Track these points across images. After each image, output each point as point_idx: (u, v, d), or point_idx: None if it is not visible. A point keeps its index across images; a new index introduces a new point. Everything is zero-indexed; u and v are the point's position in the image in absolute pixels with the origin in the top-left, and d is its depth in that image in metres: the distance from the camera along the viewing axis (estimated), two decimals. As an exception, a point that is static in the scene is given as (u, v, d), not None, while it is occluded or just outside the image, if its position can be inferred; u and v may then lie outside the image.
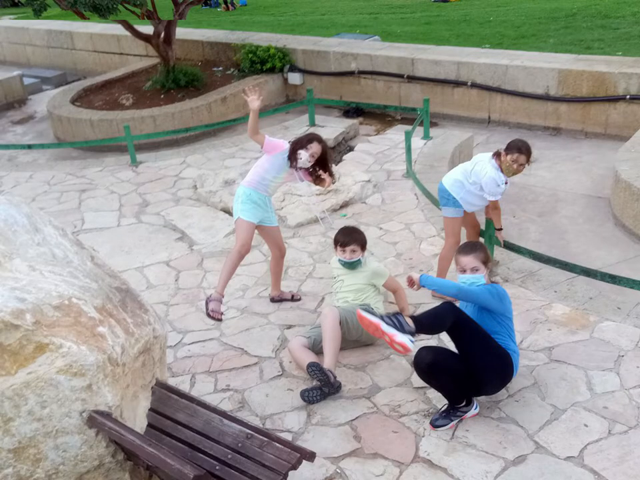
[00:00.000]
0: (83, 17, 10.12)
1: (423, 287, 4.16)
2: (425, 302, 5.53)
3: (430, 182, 7.37)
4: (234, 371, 4.82)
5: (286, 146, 5.07)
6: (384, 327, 3.93)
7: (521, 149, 5.07)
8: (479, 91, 9.90)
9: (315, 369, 4.45)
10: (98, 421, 3.16)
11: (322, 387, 4.49)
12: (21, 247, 3.39)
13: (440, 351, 4.27)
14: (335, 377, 4.51)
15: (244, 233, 5.05)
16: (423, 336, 4.61)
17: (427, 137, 8.55)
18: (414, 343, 3.94)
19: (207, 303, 4.98)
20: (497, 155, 5.20)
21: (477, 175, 5.19)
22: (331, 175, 5.25)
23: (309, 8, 21.23)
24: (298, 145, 5.03)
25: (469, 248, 4.39)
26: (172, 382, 4.57)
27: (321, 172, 5.09)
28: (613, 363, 4.70)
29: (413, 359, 4.30)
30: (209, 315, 4.90)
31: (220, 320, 4.96)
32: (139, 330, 3.60)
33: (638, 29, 13.75)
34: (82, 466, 3.29)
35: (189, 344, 5.14)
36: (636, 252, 6.70)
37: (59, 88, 12.88)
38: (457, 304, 4.32)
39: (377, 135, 9.56)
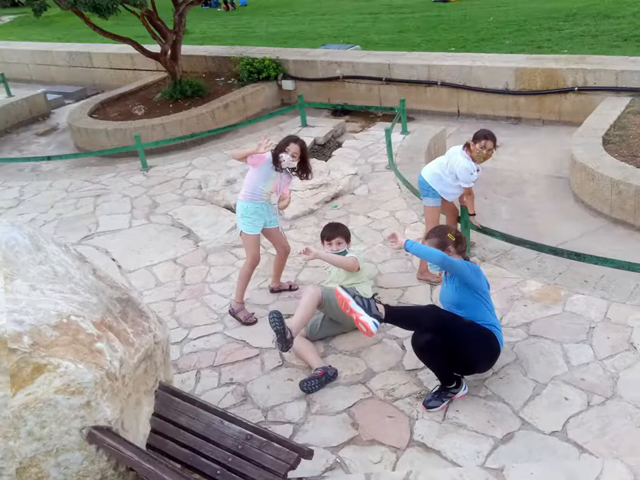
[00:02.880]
0: (83, 17, 9.34)
1: (407, 251, 3.71)
2: (412, 284, 5.04)
3: (410, 172, 6.86)
4: (237, 364, 4.32)
5: (268, 156, 4.59)
6: (352, 304, 3.60)
7: (486, 136, 4.83)
8: (448, 89, 9.46)
9: (275, 317, 3.87)
10: (97, 437, 2.67)
11: (277, 340, 3.94)
12: (22, 267, 2.88)
13: (436, 333, 3.74)
14: (291, 336, 3.92)
15: (251, 247, 4.69)
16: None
17: (404, 131, 8.04)
18: (377, 327, 3.55)
19: (234, 315, 4.76)
20: (466, 146, 4.86)
21: (451, 166, 4.85)
22: (308, 171, 4.82)
23: (309, 8, 19.65)
24: (278, 149, 4.62)
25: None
26: (178, 378, 4.09)
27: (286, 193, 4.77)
28: (585, 335, 4.25)
29: (411, 337, 3.79)
30: (245, 324, 4.70)
31: (256, 321, 4.70)
32: (139, 339, 3.10)
33: (579, 30, 13.27)
34: (85, 481, 2.80)
35: (194, 339, 4.62)
36: (596, 225, 6.28)
37: (79, 102, 12.25)
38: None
39: (361, 131, 8.99)
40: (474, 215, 5.12)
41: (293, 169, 4.71)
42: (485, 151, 4.76)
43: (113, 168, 8.26)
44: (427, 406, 3.78)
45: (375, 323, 3.54)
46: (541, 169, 7.65)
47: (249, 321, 4.71)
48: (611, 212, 6.29)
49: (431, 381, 3.95)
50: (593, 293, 4.68)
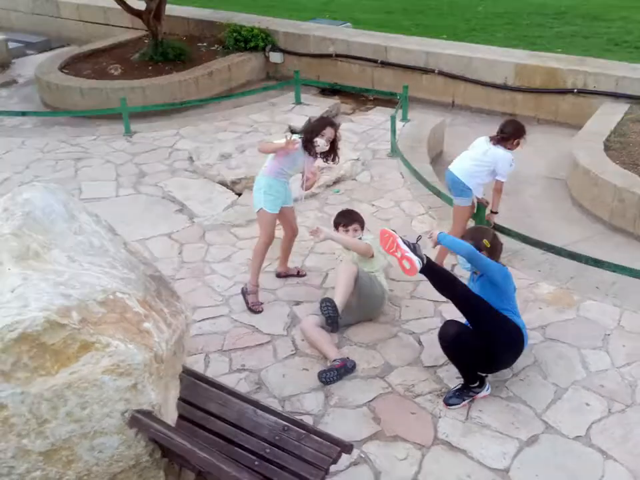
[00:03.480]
0: None
1: (439, 242, 3.90)
2: (425, 278, 5.06)
3: (412, 162, 6.92)
4: (247, 350, 4.30)
5: (297, 146, 4.53)
6: (399, 241, 3.75)
7: (525, 132, 4.94)
8: (445, 78, 9.52)
9: (329, 305, 4.03)
10: (142, 422, 2.62)
11: (328, 323, 4.10)
12: (59, 236, 2.77)
13: (464, 326, 3.87)
14: (340, 316, 4.12)
15: (268, 226, 4.64)
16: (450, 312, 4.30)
17: (405, 119, 8.08)
18: (421, 267, 3.71)
19: (244, 296, 4.72)
20: (500, 140, 4.87)
21: (489, 161, 4.86)
22: (337, 156, 4.80)
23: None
24: (313, 133, 4.56)
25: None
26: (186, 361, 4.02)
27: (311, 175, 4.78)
28: (601, 341, 4.43)
29: (438, 332, 3.92)
30: (250, 309, 4.65)
31: (261, 311, 4.65)
32: (175, 320, 3.05)
33: (570, 29, 13.63)
34: (117, 466, 2.74)
35: (199, 321, 4.55)
36: (593, 231, 6.48)
37: (42, 53, 11.76)
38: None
39: (352, 113, 9.00)
40: (497, 212, 5.20)
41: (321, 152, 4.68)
42: (520, 146, 4.87)
43: (92, 130, 7.98)
44: (447, 403, 3.88)
45: (420, 262, 3.67)
46: (537, 169, 7.81)
47: (254, 309, 4.68)
48: (611, 219, 6.51)
49: (451, 378, 4.05)
50: (605, 299, 4.88)
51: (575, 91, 8.79)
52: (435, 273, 3.89)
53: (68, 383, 2.51)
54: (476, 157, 4.87)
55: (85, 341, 2.51)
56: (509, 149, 4.84)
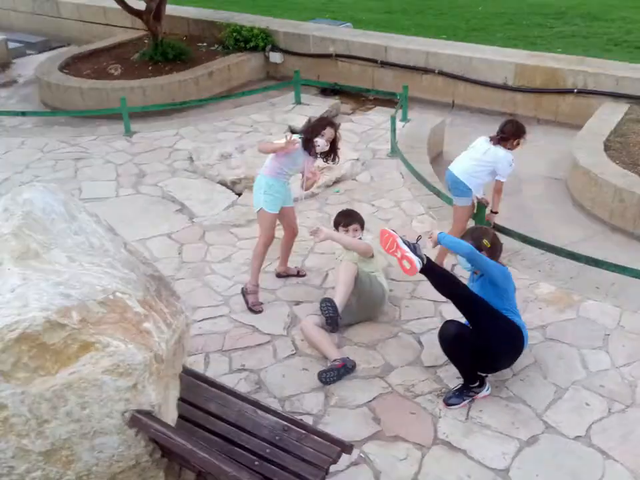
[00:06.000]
0: None
1: (439, 242, 3.90)
2: (425, 278, 5.07)
3: (412, 161, 6.92)
4: (247, 350, 4.30)
5: (297, 145, 4.53)
6: (399, 241, 3.76)
7: (525, 130, 4.96)
8: (445, 78, 9.54)
9: (329, 305, 4.06)
10: (143, 422, 2.62)
11: (328, 323, 4.12)
12: (59, 236, 2.76)
13: (464, 326, 3.88)
14: (340, 316, 4.14)
15: (268, 226, 4.66)
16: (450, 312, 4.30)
17: (404, 119, 8.08)
18: (421, 267, 3.72)
19: (244, 296, 4.73)
20: (502, 140, 4.88)
21: (489, 161, 4.87)
22: (337, 156, 4.82)
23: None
24: (314, 133, 4.56)
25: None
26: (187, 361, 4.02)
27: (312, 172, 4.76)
28: (601, 341, 4.43)
29: (438, 331, 3.93)
30: (250, 309, 4.66)
31: (261, 311, 4.66)
32: (175, 320, 3.05)
33: (569, 29, 13.63)
34: (117, 466, 2.74)
35: (199, 321, 4.56)
36: (594, 231, 6.49)
37: (42, 53, 11.79)
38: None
39: (352, 113, 8.99)
40: (497, 212, 5.20)
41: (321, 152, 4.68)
42: (520, 146, 4.87)
43: (92, 130, 7.99)
44: (447, 403, 3.88)
45: (419, 262, 3.68)
46: (537, 169, 7.81)
47: (255, 309, 4.69)
48: (610, 218, 6.52)
49: (452, 379, 4.05)
50: (605, 299, 4.88)
51: (575, 91, 8.80)
52: (435, 273, 3.91)
53: (68, 383, 2.51)
54: (476, 157, 4.88)
55: (85, 341, 2.51)
56: (508, 148, 4.85)
